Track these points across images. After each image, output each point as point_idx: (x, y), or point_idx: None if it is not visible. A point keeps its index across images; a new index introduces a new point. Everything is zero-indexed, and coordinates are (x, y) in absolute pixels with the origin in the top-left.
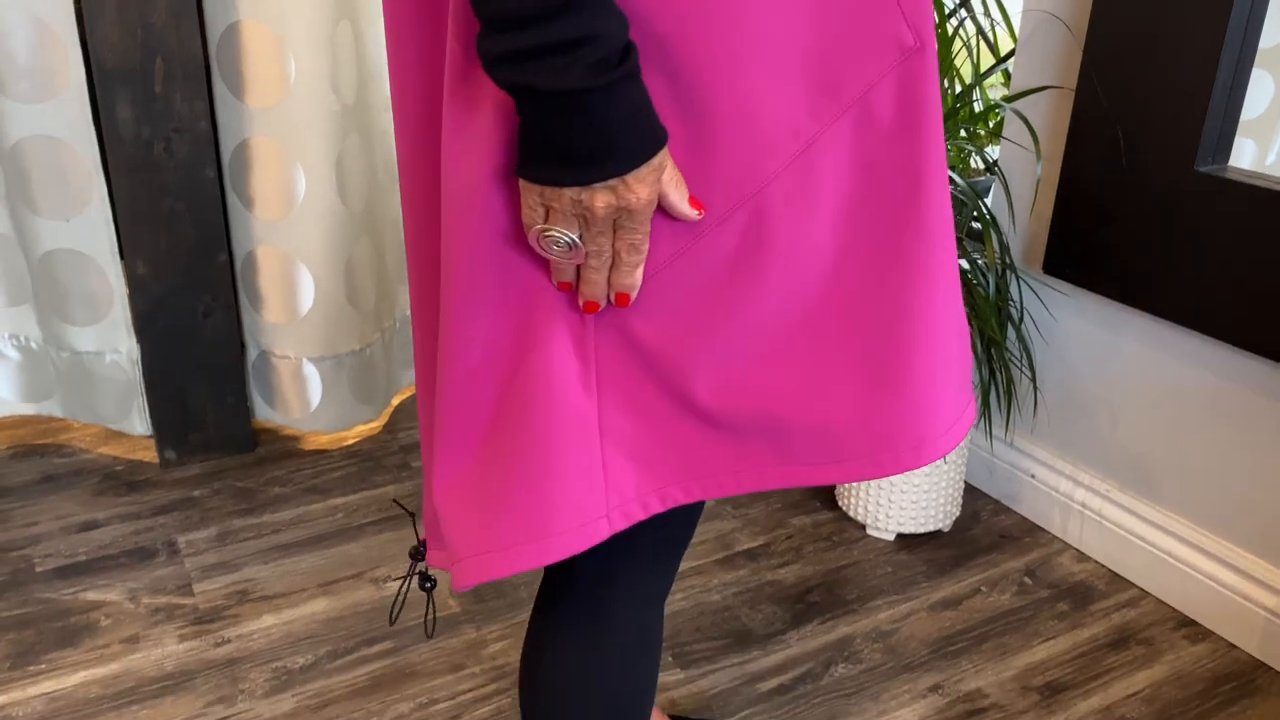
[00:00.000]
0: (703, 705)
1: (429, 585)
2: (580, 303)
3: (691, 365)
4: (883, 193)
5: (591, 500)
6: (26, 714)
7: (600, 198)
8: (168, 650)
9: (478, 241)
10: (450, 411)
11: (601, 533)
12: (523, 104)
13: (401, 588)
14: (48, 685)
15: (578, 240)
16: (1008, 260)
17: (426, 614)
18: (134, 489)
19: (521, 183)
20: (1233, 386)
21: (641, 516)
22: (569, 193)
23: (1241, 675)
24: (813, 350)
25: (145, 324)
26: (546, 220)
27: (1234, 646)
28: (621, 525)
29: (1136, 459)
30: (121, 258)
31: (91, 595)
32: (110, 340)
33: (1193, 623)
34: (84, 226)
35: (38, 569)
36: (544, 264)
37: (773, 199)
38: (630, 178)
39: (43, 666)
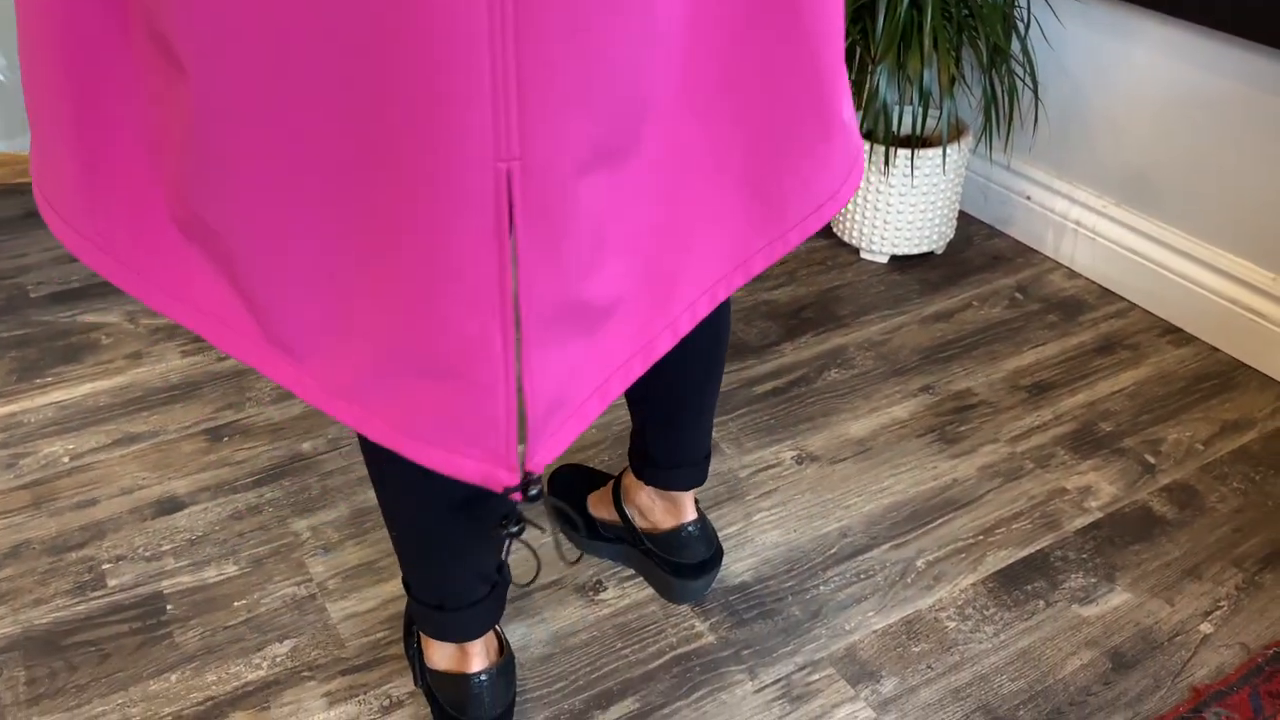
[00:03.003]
0: None
1: (514, 529)
2: None
3: None
4: None
5: None
6: (38, 420)
7: None
8: (171, 364)
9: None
10: None
11: None
12: None
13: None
14: (56, 395)
15: None
16: None
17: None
18: None
19: None
20: (1246, 88)
21: None
22: None
23: (1221, 374)
24: None
25: None
26: None
27: (1216, 349)
28: None
29: (1136, 173)
30: None
31: (89, 318)
32: None
33: (1178, 329)
34: None
35: (32, 295)
36: None
37: None
38: None
39: (49, 379)
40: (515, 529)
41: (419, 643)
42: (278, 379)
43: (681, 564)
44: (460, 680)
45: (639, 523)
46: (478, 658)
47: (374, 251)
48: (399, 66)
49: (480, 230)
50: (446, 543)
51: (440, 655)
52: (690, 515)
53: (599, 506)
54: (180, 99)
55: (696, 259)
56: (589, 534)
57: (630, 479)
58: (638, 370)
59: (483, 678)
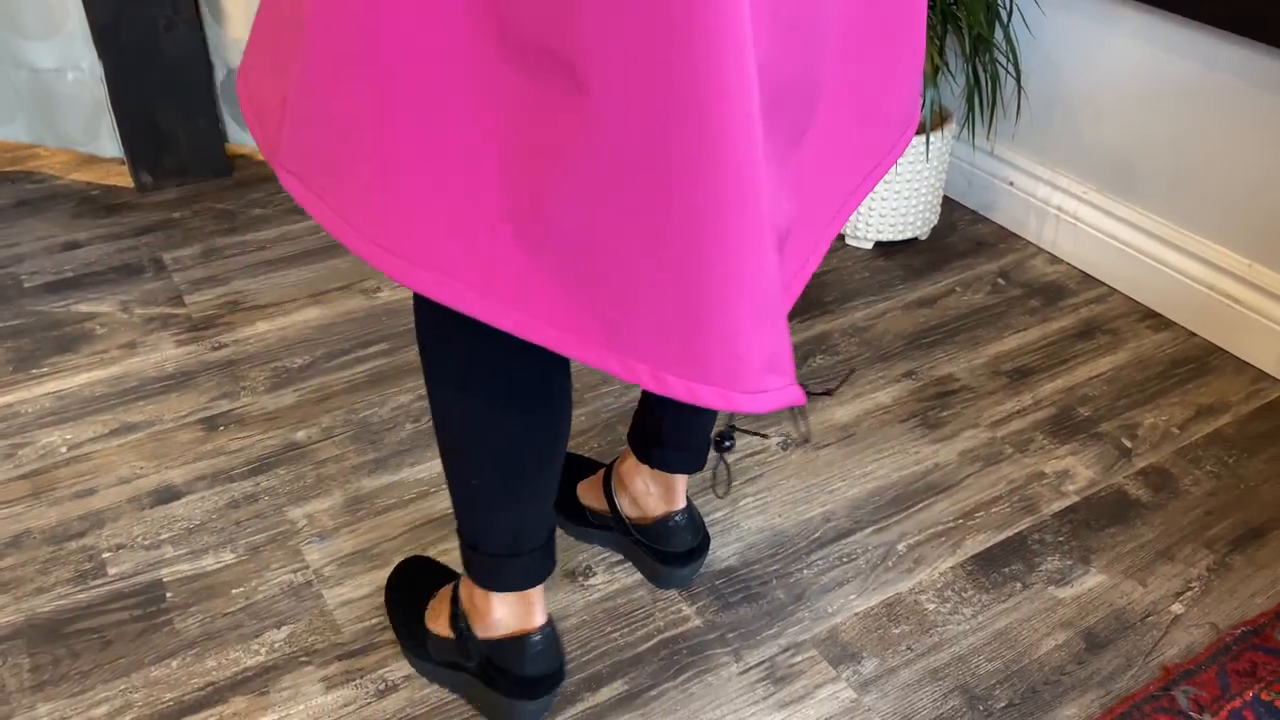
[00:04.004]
0: None
1: (728, 445)
2: None
3: None
4: None
5: None
6: (35, 410)
7: None
8: (166, 354)
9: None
10: None
11: None
12: None
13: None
14: (52, 385)
15: None
16: None
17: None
18: (112, 211)
19: None
20: (1225, 77)
21: None
22: None
23: (1198, 358)
24: None
25: (105, 37)
26: None
27: (1194, 334)
28: None
29: (1117, 159)
30: None
31: (83, 308)
32: (70, 56)
33: (1157, 314)
34: None
35: (26, 285)
36: None
37: None
38: None
39: (45, 369)
40: (729, 444)
41: (466, 623)
42: (613, 371)
43: (669, 552)
44: (521, 641)
45: (629, 511)
46: (539, 608)
47: (698, 224)
48: (711, 33)
49: (758, 174)
50: (530, 462)
51: (505, 612)
52: (680, 504)
53: (588, 494)
54: (574, 120)
55: (831, 185)
56: (578, 521)
57: (629, 464)
58: (796, 291)
59: (548, 629)
